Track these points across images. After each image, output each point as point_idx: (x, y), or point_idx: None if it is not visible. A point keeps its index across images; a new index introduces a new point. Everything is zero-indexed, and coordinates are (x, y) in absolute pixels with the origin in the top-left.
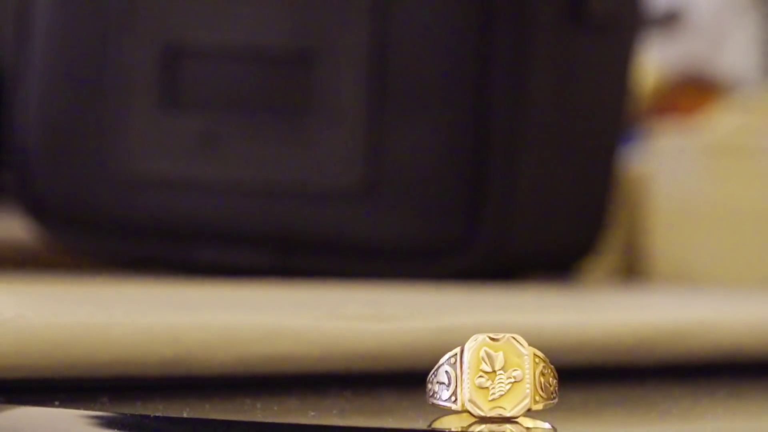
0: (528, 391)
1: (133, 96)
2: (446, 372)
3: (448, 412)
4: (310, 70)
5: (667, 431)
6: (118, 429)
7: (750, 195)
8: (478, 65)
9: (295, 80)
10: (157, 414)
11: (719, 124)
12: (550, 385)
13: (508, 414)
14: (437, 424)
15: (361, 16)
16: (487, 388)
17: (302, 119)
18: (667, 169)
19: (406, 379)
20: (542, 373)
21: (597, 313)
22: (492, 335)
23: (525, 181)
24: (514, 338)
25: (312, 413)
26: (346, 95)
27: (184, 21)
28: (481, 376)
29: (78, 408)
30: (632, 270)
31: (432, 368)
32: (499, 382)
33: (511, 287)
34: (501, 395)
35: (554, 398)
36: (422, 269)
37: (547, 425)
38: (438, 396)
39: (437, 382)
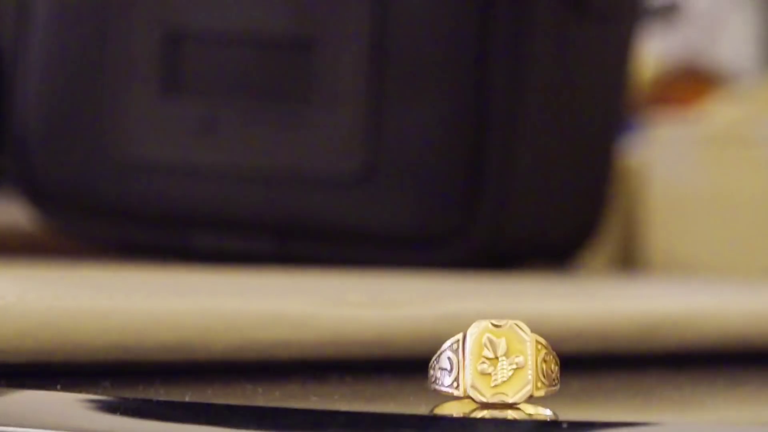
0: (530, 377)
1: (133, 81)
2: (448, 358)
3: (450, 398)
4: (310, 55)
5: (667, 418)
6: (120, 413)
7: (748, 185)
8: (477, 53)
9: (294, 66)
10: (159, 398)
11: (717, 114)
12: (552, 372)
13: (510, 400)
14: (439, 410)
15: (360, 2)
16: (489, 374)
17: (302, 105)
18: (665, 160)
19: (407, 365)
20: (544, 360)
21: (597, 301)
22: (494, 321)
23: (523, 170)
24: (516, 324)
25: (314, 398)
26: (345, 81)
27: (185, 6)
28: (483, 362)
29: (80, 392)
30: (629, 261)
31: (433, 355)
32: (501, 369)
33: (509, 275)
34: (503, 381)
35: (556, 385)
36: (420, 256)
37: (548, 412)
38: (440, 382)
39: (439, 368)
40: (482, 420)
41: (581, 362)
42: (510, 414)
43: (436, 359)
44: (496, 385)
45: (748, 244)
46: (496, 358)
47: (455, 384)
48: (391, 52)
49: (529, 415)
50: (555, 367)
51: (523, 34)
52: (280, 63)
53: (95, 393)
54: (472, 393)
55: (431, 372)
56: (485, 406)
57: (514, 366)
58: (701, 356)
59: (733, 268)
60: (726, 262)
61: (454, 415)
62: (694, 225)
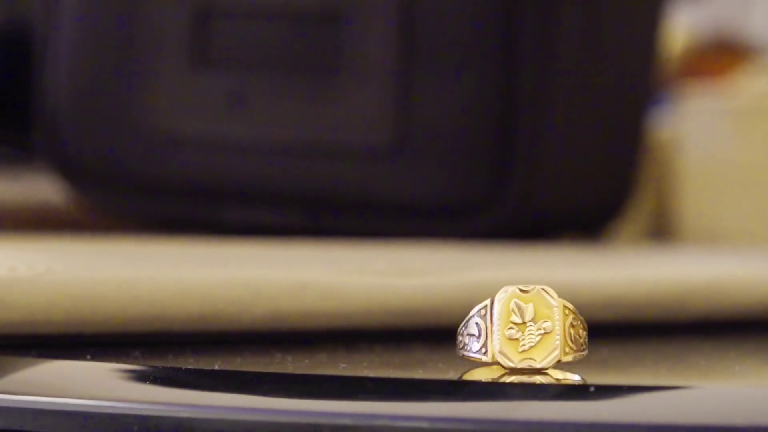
0: (558, 342)
1: (163, 55)
2: (476, 324)
3: (479, 364)
4: (340, 28)
5: (695, 384)
6: (151, 382)
7: None
8: (506, 23)
9: (324, 39)
10: (188, 366)
11: (748, 86)
12: (580, 337)
13: (538, 365)
14: (468, 376)
15: None
16: (517, 339)
17: (331, 78)
18: (696, 132)
19: (435, 334)
20: (572, 325)
21: (626, 269)
22: (522, 287)
23: (552, 140)
24: (544, 290)
25: (342, 366)
26: (375, 54)
27: None
28: (511, 328)
29: (110, 362)
30: (661, 233)
31: (461, 323)
32: (529, 334)
33: (539, 245)
34: (531, 347)
35: (584, 350)
36: (450, 227)
37: (576, 377)
38: (468, 348)
39: (467, 334)
40: (510, 385)
41: (610, 329)
42: (538, 379)
43: (464, 325)
44: (524, 351)
45: None
46: (524, 323)
47: (483, 350)
48: (421, 23)
49: (557, 380)
50: (583, 332)
51: (551, 5)
52: (310, 36)
53: (125, 362)
54: (500, 358)
55: (459, 338)
56: (513, 371)
57: (542, 331)
58: (729, 323)
59: (764, 238)
60: (757, 232)
61: (483, 380)
62: (725, 196)
